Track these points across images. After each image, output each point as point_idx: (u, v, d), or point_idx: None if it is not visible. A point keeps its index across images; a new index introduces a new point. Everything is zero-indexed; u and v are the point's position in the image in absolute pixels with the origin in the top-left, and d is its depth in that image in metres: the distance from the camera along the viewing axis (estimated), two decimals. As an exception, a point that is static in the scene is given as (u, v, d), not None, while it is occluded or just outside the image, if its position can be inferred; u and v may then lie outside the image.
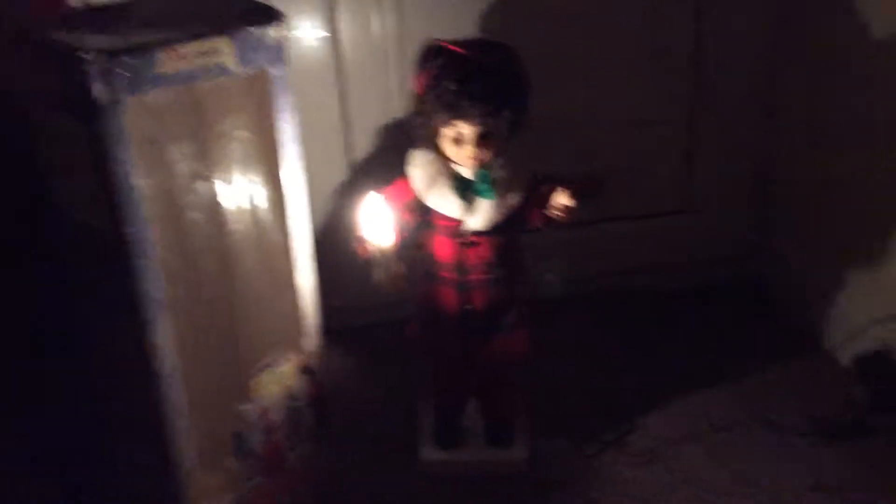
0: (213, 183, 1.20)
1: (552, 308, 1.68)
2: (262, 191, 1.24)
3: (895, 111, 1.53)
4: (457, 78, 1.23)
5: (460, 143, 1.28)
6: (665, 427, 1.60)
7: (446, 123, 1.26)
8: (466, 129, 1.26)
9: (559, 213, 1.27)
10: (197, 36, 1.10)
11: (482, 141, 1.27)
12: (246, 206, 1.24)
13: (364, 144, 1.74)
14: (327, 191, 1.75)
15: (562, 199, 1.25)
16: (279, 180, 1.24)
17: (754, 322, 1.87)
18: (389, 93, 1.69)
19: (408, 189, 1.33)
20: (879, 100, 1.57)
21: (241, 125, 1.20)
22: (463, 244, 1.33)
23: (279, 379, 1.34)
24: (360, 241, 1.27)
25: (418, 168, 1.33)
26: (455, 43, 1.27)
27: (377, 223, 1.23)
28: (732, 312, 1.91)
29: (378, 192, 1.26)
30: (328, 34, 1.64)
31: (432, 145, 1.32)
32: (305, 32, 1.64)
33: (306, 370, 1.37)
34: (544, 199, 1.27)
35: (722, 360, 1.75)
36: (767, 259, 1.96)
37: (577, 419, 1.62)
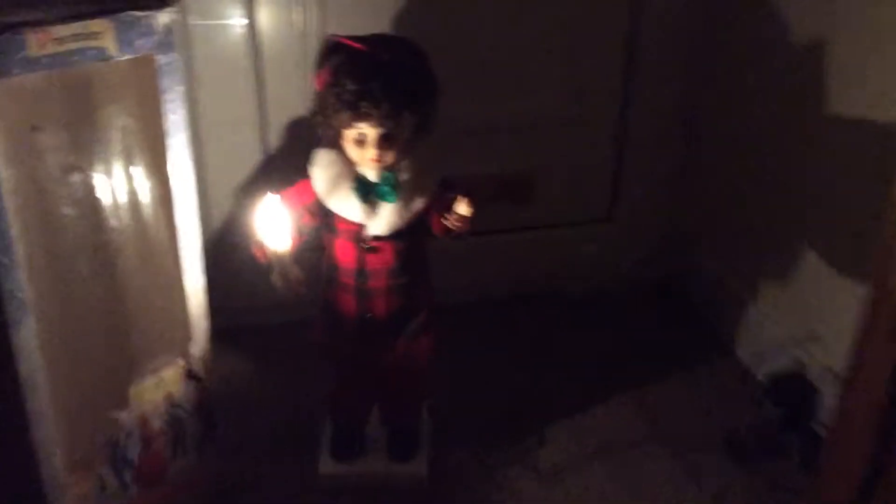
0: (90, 175, 1.11)
1: (459, 314, 1.61)
2: (145, 184, 1.16)
3: (814, 122, 1.50)
4: (356, 77, 1.15)
5: (362, 145, 1.21)
6: (571, 442, 1.56)
7: (346, 124, 1.19)
8: (367, 131, 1.19)
9: (456, 223, 1.20)
10: (72, 17, 1.01)
11: (384, 143, 1.20)
12: (127, 200, 1.15)
13: (279, 141, 1.66)
14: (235, 186, 1.67)
15: (460, 208, 1.18)
16: (165, 173, 1.15)
17: (669, 334, 1.85)
18: (308, 89, 1.59)
19: (310, 190, 1.26)
20: (798, 109, 1.55)
21: (123, 113, 1.11)
22: (364, 249, 1.26)
23: (161, 384, 1.26)
24: (258, 244, 1.19)
25: (320, 169, 1.26)
26: (355, 39, 1.19)
27: (274, 226, 1.15)
28: (647, 323, 1.88)
29: (277, 193, 1.18)
30: (247, 24, 1.56)
31: (335, 145, 1.24)
32: (224, 21, 1.55)
33: (192, 375, 1.29)
34: (446, 207, 1.20)
35: (634, 372, 1.72)
36: (686, 270, 1.93)
37: (483, 430, 1.57)
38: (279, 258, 1.18)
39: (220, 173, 1.65)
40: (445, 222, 1.21)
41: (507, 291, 1.90)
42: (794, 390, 1.55)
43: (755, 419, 1.58)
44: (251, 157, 1.67)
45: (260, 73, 1.60)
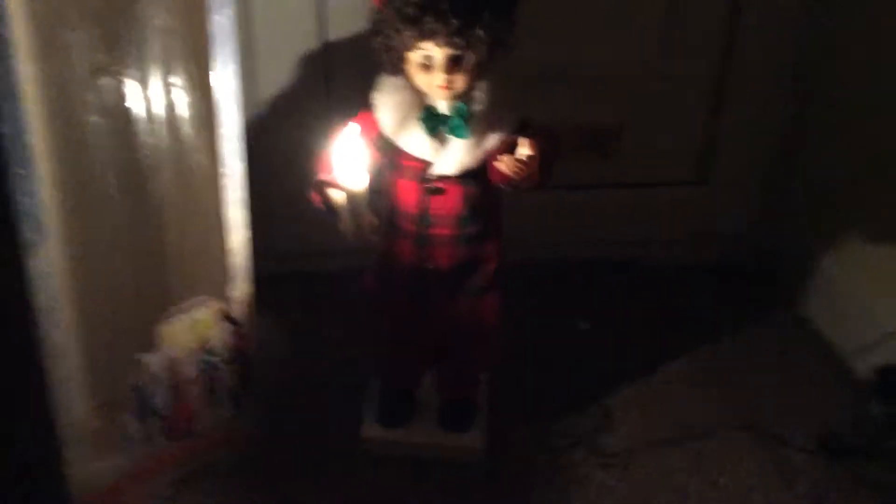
0: (123, 81, 0.97)
1: (526, 274, 1.45)
2: (185, 98, 1.02)
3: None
4: None
5: (429, 70, 1.05)
6: (643, 427, 1.40)
7: (410, 45, 1.03)
8: (434, 52, 1.03)
9: (514, 168, 1.03)
10: None
11: (454, 66, 1.04)
12: (164, 114, 1.02)
13: (339, 64, 1.50)
14: (288, 109, 1.51)
15: (521, 149, 1.02)
16: (208, 87, 1.01)
17: (758, 314, 1.66)
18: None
19: (373, 122, 1.10)
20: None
21: (163, 10, 0.97)
22: (428, 190, 1.11)
23: (195, 327, 1.14)
24: (325, 183, 1.04)
25: (384, 97, 1.10)
26: None
27: (351, 161, 1.00)
28: (734, 301, 1.70)
29: (351, 123, 1.03)
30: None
31: (399, 71, 1.09)
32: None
33: (229, 319, 1.16)
34: (508, 148, 1.04)
35: (715, 355, 1.55)
36: (782, 246, 1.74)
37: (546, 406, 1.42)
38: (354, 199, 1.02)
39: (272, 93, 1.50)
40: (499, 165, 1.05)
41: (583, 253, 1.72)
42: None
43: (858, 416, 1.39)
44: (307, 80, 1.51)
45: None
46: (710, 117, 1.68)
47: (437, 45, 1.03)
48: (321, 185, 1.03)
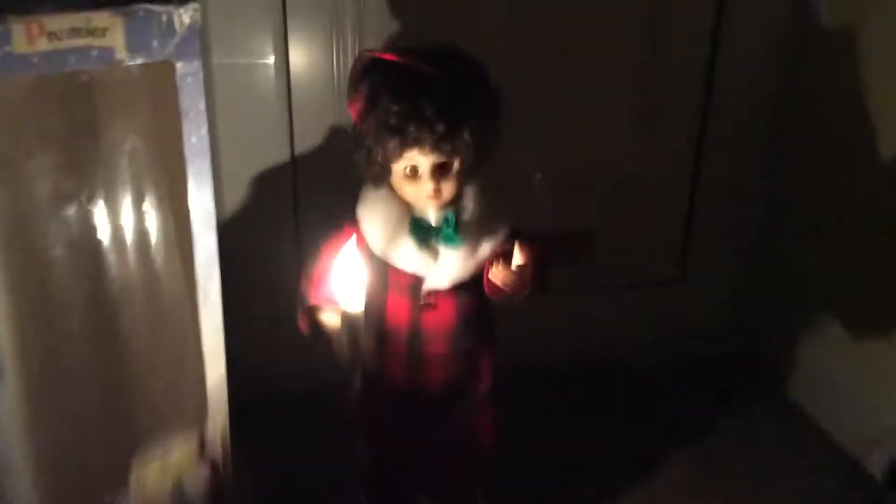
0: (89, 209, 0.90)
1: (520, 382, 1.38)
2: (157, 222, 0.95)
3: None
4: (399, 94, 0.95)
5: (416, 179, 1.00)
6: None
7: (394, 156, 0.98)
8: (420, 160, 0.98)
9: (505, 278, 0.98)
10: (72, 6, 0.80)
11: (441, 173, 0.99)
12: (134, 241, 0.94)
13: (310, 180, 1.45)
14: (260, 232, 1.45)
15: (515, 258, 0.97)
16: (182, 209, 0.94)
17: (754, 415, 1.61)
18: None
19: (358, 238, 1.04)
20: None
21: (132, 132, 0.91)
22: (420, 306, 1.04)
23: (168, 468, 1.04)
24: (317, 308, 0.99)
25: (370, 212, 1.04)
26: (395, 51, 0.99)
27: (349, 281, 0.93)
28: (730, 402, 1.64)
29: (348, 241, 0.97)
30: (279, 60, 1.38)
31: (384, 184, 1.03)
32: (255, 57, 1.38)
33: (206, 458, 1.05)
34: (499, 257, 0.99)
35: (717, 459, 1.48)
36: (773, 341, 1.69)
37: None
38: (352, 321, 0.94)
39: (241, 216, 1.44)
40: (493, 276, 0.99)
41: (563, 357, 1.66)
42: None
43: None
44: (276, 200, 1.46)
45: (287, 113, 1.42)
46: (686, 215, 1.66)
47: (423, 153, 0.97)
48: (313, 311, 0.97)
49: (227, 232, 1.39)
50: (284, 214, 1.47)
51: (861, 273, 1.46)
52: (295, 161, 1.44)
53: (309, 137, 1.43)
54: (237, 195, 1.43)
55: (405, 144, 0.97)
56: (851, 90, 1.42)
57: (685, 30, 1.52)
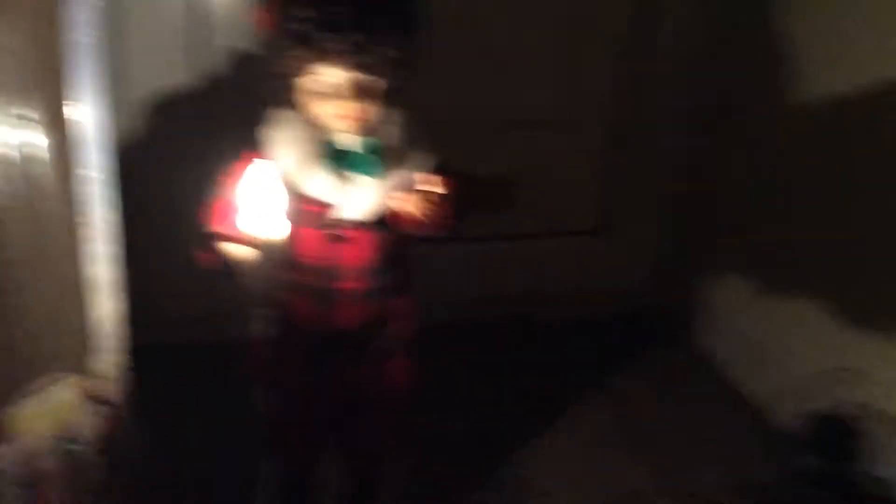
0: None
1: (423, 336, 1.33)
2: (37, 132, 0.85)
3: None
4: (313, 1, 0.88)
5: (329, 98, 0.92)
6: (566, 496, 1.27)
7: (307, 70, 0.90)
8: (335, 75, 0.90)
9: (423, 206, 0.92)
10: None
11: (359, 92, 0.92)
12: (13, 156, 0.84)
13: (229, 90, 1.35)
14: (163, 148, 1.35)
15: (435, 186, 0.91)
16: (65, 118, 0.84)
17: (667, 369, 1.60)
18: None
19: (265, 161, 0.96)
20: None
21: (8, 30, 0.80)
22: (331, 238, 0.97)
23: (53, 411, 0.94)
24: (222, 236, 0.90)
25: (279, 133, 0.96)
26: None
27: (265, 206, 0.85)
28: (642, 356, 1.64)
29: (259, 161, 0.89)
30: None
31: (295, 103, 0.96)
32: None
33: (95, 399, 0.97)
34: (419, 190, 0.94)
35: (630, 414, 1.48)
36: (686, 295, 1.69)
37: (461, 480, 1.29)
38: (269, 250, 0.86)
39: (146, 127, 1.33)
40: (407, 204, 0.93)
41: (476, 311, 1.61)
42: (834, 436, 1.30)
43: (785, 469, 1.32)
44: (190, 111, 1.35)
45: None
46: (609, 166, 1.62)
47: (339, 66, 0.90)
48: (218, 238, 0.88)
49: (132, 145, 1.30)
50: (201, 124, 1.36)
51: (776, 227, 1.46)
52: (214, 64, 1.34)
53: (218, 57, 1.33)
54: (144, 102, 1.32)
55: (319, 55, 0.89)
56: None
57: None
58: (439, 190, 0.91)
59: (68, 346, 0.95)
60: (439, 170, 0.98)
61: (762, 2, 1.45)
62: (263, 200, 0.85)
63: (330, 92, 0.92)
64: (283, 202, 0.86)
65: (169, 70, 1.32)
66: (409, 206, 0.92)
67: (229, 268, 0.93)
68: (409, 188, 0.94)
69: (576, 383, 1.53)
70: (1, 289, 0.88)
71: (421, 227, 0.95)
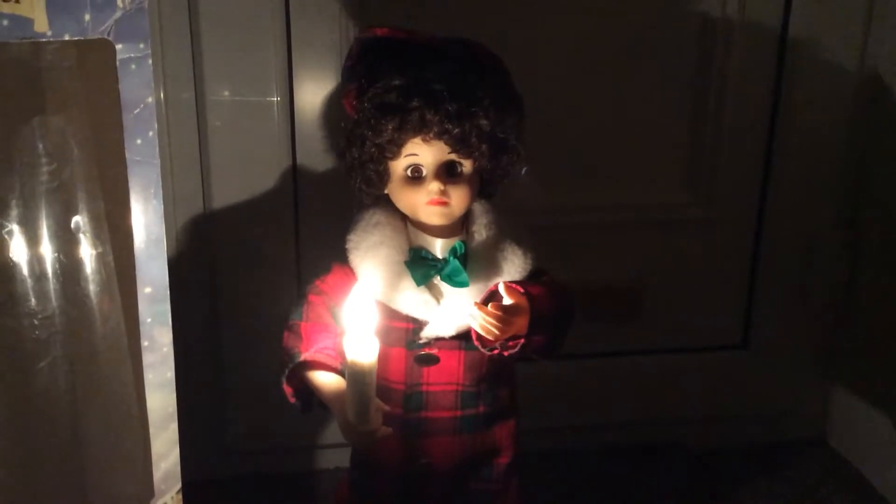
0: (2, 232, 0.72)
1: (539, 464, 1.15)
2: (89, 250, 0.76)
3: None
4: (402, 68, 0.81)
5: (418, 183, 0.81)
6: None
7: (393, 149, 0.81)
8: (424, 154, 0.80)
9: (484, 324, 0.77)
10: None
11: (450, 175, 0.81)
12: (58, 272, 0.75)
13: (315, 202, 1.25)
14: (243, 261, 1.24)
15: (502, 299, 0.78)
16: (123, 230, 0.75)
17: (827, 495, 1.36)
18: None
19: (348, 276, 0.85)
20: None
21: (58, 130, 0.72)
22: (420, 360, 0.83)
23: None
24: (309, 364, 0.79)
25: (359, 240, 0.85)
26: (400, 28, 0.84)
27: (360, 328, 0.73)
28: (796, 487, 1.39)
29: (360, 282, 0.81)
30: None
31: (381, 196, 0.86)
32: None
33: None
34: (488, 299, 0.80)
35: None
36: (844, 419, 1.46)
37: None
38: (363, 377, 0.73)
39: (228, 240, 1.21)
40: (469, 317, 0.79)
41: (601, 438, 1.43)
42: None
43: None
44: (275, 223, 1.23)
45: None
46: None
47: (427, 139, 0.79)
48: (305, 369, 0.77)
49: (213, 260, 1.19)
50: (286, 239, 1.25)
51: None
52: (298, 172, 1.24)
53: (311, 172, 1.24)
54: (227, 216, 1.21)
55: (406, 126, 0.79)
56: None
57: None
58: (507, 301, 0.77)
59: (120, 491, 0.83)
60: (541, 275, 0.85)
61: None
62: (364, 322, 0.73)
63: (420, 174, 0.81)
64: (376, 321, 0.74)
65: (256, 176, 1.23)
66: (473, 322, 0.78)
67: (310, 398, 0.81)
68: (486, 300, 0.81)
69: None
70: (39, 427, 0.77)
71: (485, 346, 0.80)
